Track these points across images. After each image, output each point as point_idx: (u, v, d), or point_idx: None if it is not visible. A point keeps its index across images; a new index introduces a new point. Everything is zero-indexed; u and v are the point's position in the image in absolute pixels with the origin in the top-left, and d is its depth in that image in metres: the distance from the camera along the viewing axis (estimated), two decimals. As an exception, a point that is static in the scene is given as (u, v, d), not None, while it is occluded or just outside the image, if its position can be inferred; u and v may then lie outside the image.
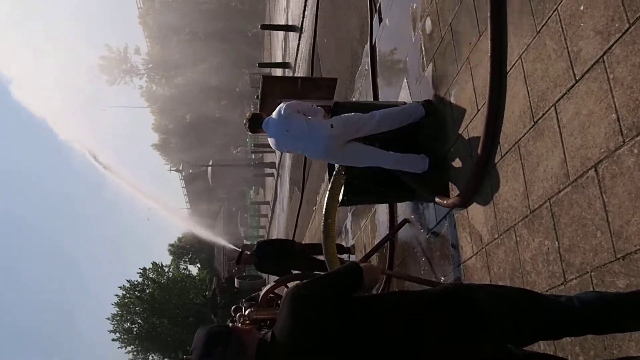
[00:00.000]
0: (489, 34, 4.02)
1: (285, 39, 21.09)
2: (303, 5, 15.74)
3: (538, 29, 3.49)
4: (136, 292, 56.33)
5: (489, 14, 4.01)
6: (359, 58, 8.90)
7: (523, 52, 3.68)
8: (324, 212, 5.99)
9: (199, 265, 65.88)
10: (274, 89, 6.36)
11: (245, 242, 36.46)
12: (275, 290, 7.30)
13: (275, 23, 21.14)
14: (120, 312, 56.32)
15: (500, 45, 3.95)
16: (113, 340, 56.17)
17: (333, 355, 2.03)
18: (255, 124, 5.60)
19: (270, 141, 5.61)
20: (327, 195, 5.89)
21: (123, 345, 56.27)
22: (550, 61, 3.36)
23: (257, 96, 9.28)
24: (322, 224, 6.05)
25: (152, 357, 57.54)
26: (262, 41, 37.41)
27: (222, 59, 41.86)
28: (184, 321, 51.42)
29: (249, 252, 8.89)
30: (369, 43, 7.89)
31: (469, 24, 4.51)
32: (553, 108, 3.34)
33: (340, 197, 5.84)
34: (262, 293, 7.30)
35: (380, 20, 7.50)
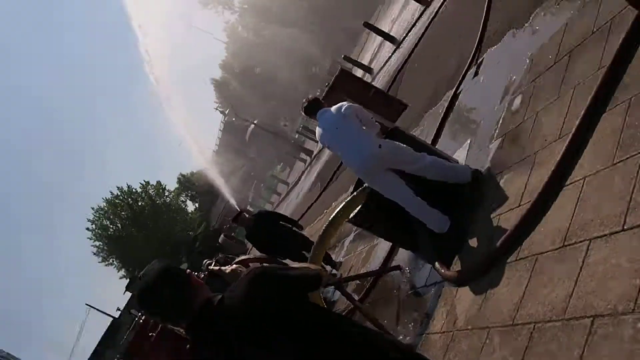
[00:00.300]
0: (567, 140, 3.90)
1: (380, 45, 21.01)
2: (412, 23, 15.64)
3: (615, 162, 3.35)
4: (129, 199, 57.08)
5: (577, 122, 3.88)
6: (438, 98, 8.77)
7: (590, 175, 3.54)
8: (331, 218, 5.94)
9: (197, 205, 66.44)
10: (346, 85, 6.29)
11: (248, 207, 36.61)
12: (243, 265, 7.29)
13: (378, 26, 21.03)
14: (106, 208, 57.13)
15: (572, 157, 3.82)
16: (87, 229, 57.04)
17: (262, 339, 2.02)
18: (313, 108, 5.55)
19: (318, 131, 5.56)
20: (342, 204, 5.84)
21: (93, 238, 57.12)
22: (609, 197, 3.22)
23: (327, 84, 9.25)
24: (324, 227, 6.01)
25: (113, 260, 58.12)
26: (358, 37, 37.30)
27: (314, 34, 41.82)
28: (159, 246, 51.90)
29: (247, 216, 8.88)
30: (454, 90, 7.77)
31: (554, 121, 4.38)
32: (587, 242, 3.20)
33: (353, 213, 5.81)
34: (237, 259, 7.30)
35: (476, 74, 7.38)
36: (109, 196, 56.93)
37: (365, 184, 5.61)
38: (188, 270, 2.20)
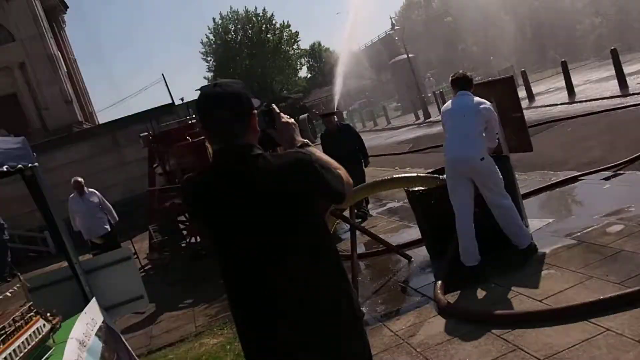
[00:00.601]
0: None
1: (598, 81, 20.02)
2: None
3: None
4: (259, 24, 57.50)
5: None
6: (565, 167, 8.63)
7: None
8: (396, 176, 6.09)
9: (308, 76, 66.97)
10: (501, 90, 6.12)
11: (343, 113, 36.68)
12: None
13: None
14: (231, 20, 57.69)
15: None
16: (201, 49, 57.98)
17: (250, 219, 2.01)
18: (460, 84, 5.45)
19: (447, 105, 5.56)
20: (413, 174, 5.91)
21: (207, 57, 58.38)
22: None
23: (490, 79, 9.03)
24: (385, 178, 6.15)
25: (211, 60, 59.22)
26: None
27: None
28: (251, 81, 52.42)
29: (336, 120, 9.14)
30: (579, 174, 7.63)
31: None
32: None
33: (415, 188, 5.95)
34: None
35: (607, 179, 7.17)
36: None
37: (443, 176, 5.61)
38: (255, 111, 2.21)
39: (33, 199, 4.52)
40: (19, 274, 3.83)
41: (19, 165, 3.88)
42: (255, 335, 2.11)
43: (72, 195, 9.67)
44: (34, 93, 27.13)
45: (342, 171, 2.21)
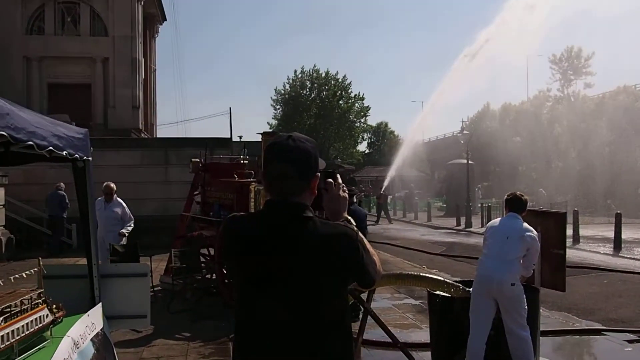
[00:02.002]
0: None
1: None
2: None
3: None
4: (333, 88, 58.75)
5: None
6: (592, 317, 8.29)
7: None
8: (422, 275, 6.17)
9: (367, 150, 67.52)
10: (551, 223, 6.11)
11: (389, 196, 36.77)
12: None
13: None
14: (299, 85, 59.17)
15: None
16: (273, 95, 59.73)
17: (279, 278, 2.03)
18: (516, 206, 5.49)
19: (493, 222, 5.67)
20: (440, 278, 5.90)
21: (277, 105, 60.01)
22: None
23: (542, 209, 8.95)
24: (411, 274, 6.29)
25: (279, 109, 60.65)
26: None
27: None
28: (314, 135, 53.36)
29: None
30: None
31: None
32: None
33: (439, 292, 5.96)
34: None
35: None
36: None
37: (470, 289, 5.56)
38: (319, 174, 2.15)
39: (76, 191, 4.64)
40: (39, 258, 3.89)
41: (76, 155, 4.00)
42: None
43: (98, 198, 9.27)
44: (106, 89, 28.16)
45: (377, 258, 2.22)
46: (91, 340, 4.17)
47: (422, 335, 7.20)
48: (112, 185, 9.64)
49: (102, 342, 4.40)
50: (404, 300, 9.59)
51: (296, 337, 2.03)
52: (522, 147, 39.42)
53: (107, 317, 4.68)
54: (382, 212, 30.95)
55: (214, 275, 9.73)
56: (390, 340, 6.28)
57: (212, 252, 10.22)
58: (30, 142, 2.92)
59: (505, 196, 5.64)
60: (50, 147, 3.29)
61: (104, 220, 9.20)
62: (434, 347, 6.22)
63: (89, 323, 4.25)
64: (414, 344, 6.74)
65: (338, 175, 2.40)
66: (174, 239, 11.56)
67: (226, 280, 9.04)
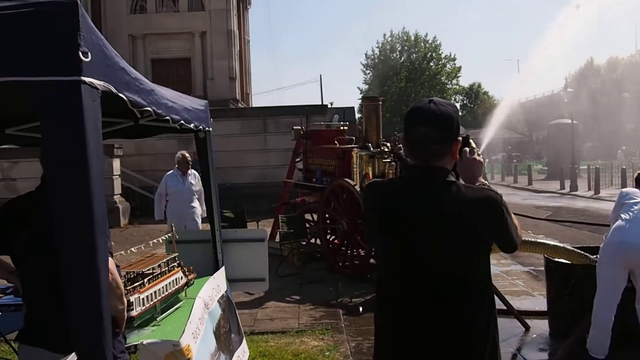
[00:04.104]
0: None
1: None
2: None
3: None
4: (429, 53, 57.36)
5: None
6: None
7: None
8: (547, 242, 6.06)
9: (461, 114, 65.90)
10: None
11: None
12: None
13: None
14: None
15: None
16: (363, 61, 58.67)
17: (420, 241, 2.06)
18: None
19: (633, 190, 5.29)
20: (565, 245, 5.84)
21: (366, 69, 59.14)
22: None
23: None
24: (536, 240, 6.12)
25: (370, 74, 60.13)
26: None
27: None
28: (404, 99, 52.39)
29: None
30: None
31: None
32: None
33: (561, 259, 5.85)
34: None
35: None
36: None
37: (594, 257, 5.34)
38: (460, 138, 2.17)
39: (199, 161, 4.87)
40: (172, 224, 4.14)
41: (200, 127, 4.18)
42: (395, 343, 2.15)
43: (171, 171, 8.53)
44: (205, 62, 28.94)
45: (518, 222, 2.20)
46: (217, 301, 4.41)
47: (535, 302, 7.09)
48: (187, 154, 8.62)
49: (226, 304, 4.64)
50: (511, 267, 9.40)
51: (441, 301, 2.05)
52: (630, 104, 37.04)
53: (228, 280, 4.91)
54: (480, 176, 30.19)
55: (318, 240, 9.95)
56: (505, 307, 6.23)
57: (315, 217, 10.44)
58: (168, 117, 3.09)
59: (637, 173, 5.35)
60: (182, 121, 3.46)
61: (184, 195, 8.39)
62: (552, 317, 6.08)
63: (215, 285, 4.49)
64: (527, 311, 6.58)
65: (471, 140, 2.39)
66: (277, 205, 11.89)
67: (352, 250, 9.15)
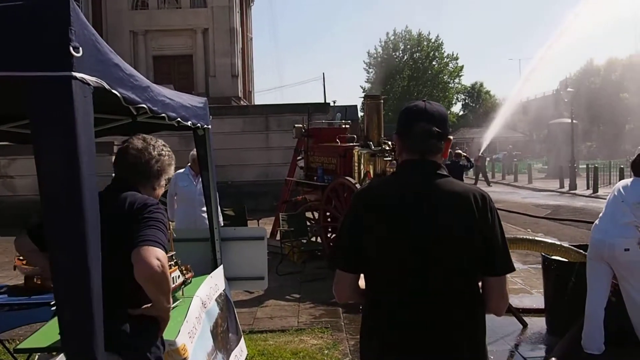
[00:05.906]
0: None
1: None
2: None
3: None
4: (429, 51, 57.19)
5: None
6: None
7: None
8: (539, 240, 6.10)
9: (462, 112, 65.92)
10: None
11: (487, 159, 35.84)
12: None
13: None
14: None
15: None
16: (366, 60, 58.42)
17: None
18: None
19: (623, 182, 5.22)
20: (557, 243, 5.78)
21: (369, 68, 58.98)
22: None
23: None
24: (526, 237, 6.36)
25: (373, 73, 60.05)
26: None
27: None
28: (407, 97, 52.44)
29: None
30: None
31: None
32: None
33: (554, 256, 5.89)
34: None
35: None
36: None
37: (586, 252, 5.36)
38: (451, 138, 2.26)
39: (197, 159, 4.85)
40: (171, 221, 4.10)
41: (198, 124, 4.15)
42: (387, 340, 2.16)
43: (182, 170, 7.30)
44: (207, 59, 28.98)
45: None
46: (215, 300, 4.38)
47: (533, 300, 7.09)
48: None
49: (224, 302, 4.61)
50: (520, 264, 9.40)
51: (435, 281, 2.09)
52: (630, 104, 37.01)
53: (227, 278, 4.88)
54: (480, 175, 30.27)
55: (319, 238, 9.92)
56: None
57: (316, 215, 10.42)
58: (164, 114, 3.05)
59: (633, 159, 5.22)
60: (179, 118, 3.42)
61: (196, 196, 7.06)
62: (549, 314, 6.08)
63: (213, 284, 4.46)
64: (526, 309, 6.59)
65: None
66: (278, 203, 11.87)
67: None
